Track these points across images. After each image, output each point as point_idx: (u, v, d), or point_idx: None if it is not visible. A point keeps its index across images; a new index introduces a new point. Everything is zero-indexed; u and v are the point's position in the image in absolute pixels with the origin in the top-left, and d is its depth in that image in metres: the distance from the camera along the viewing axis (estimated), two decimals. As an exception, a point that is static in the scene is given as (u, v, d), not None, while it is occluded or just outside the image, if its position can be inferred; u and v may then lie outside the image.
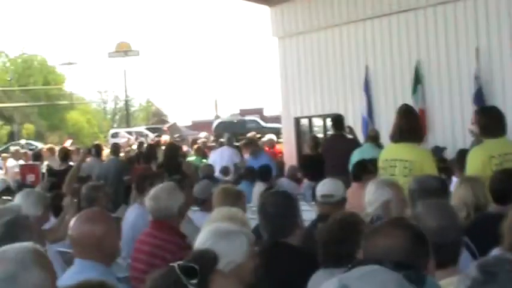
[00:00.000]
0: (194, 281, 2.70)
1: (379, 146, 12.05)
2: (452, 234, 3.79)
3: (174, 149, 14.75)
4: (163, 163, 13.58)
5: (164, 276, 2.74)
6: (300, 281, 4.46)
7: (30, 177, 12.81)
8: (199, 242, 3.76)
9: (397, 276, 2.37)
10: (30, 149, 28.72)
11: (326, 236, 4.43)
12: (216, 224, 4.06)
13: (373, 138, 12.56)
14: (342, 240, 4.35)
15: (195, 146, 20.16)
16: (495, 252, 4.12)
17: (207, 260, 2.85)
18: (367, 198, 5.73)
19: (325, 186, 6.52)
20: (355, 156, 11.17)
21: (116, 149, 15.67)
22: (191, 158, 18.38)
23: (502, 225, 4.36)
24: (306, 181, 13.59)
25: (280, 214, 4.90)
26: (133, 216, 7.75)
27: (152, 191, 5.93)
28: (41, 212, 6.74)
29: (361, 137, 14.52)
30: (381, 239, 3.09)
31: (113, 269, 4.65)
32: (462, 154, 8.54)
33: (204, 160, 17.61)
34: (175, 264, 2.73)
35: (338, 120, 13.35)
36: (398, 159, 7.06)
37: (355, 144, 12.82)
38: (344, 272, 2.44)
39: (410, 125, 7.25)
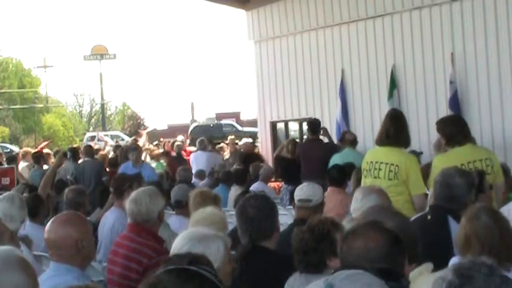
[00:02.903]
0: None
1: (357, 150, 12.12)
2: (408, 234, 3.83)
3: None
4: None
5: (176, 276, 2.68)
6: (276, 285, 4.47)
7: (5, 180, 12.69)
8: (176, 246, 3.73)
9: (380, 281, 2.40)
10: (5, 152, 28.51)
11: (298, 244, 4.45)
12: (192, 229, 4.04)
13: (352, 142, 12.58)
14: (312, 250, 4.36)
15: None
16: (454, 260, 4.11)
17: (209, 264, 2.83)
18: (354, 205, 5.71)
19: (303, 191, 6.52)
20: (336, 161, 11.18)
21: (89, 150, 15.49)
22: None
23: (462, 232, 4.34)
24: (283, 185, 13.62)
25: (261, 217, 4.89)
26: (111, 219, 7.71)
27: (133, 194, 5.88)
28: (26, 215, 6.71)
29: (334, 141, 14.51)
30: (359, 241, 3.11)
31: (88, 272, 4.63)
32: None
33: (164, 164, 17.54)
34: (193, 267, 2.69)
35: (314, 125, 13.34)
36: (384, 162, 7.01)
37: (331, 148, 12.84)
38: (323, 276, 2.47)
39: (397, 129, 7.21)
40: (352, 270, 2.48)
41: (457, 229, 4.97)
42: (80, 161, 15.05)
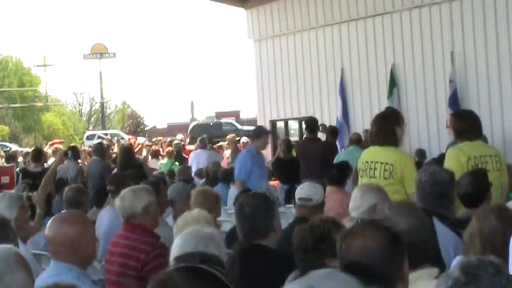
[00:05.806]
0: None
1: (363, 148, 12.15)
2: (422, 234, 3.81)
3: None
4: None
5: (187, 274, 2.67)
6: (275, 283, 4.46)
7: (5, 179, 12.68)
8: (187, 246, 3.68)
9: (352, 278, 2.50)
10: (4, 151, 28.47)
11: (298, 242, 4.44)
12: (195, 228, 4.02)
13: (357, 141, 12.64)
14: (312, 249, 4.35)
15: (167, 149, 19.83)
16: (458, 258, 4.10)
17: (219, 263, 2.84)
18: (353, 204, 5.70)
19: (304, 190, 6.51)
20: (341, 159, 11.22)
21: (97, 149, 14.23)
22: (163, 161, 18.24)
23: (469, 231, 4.32)
24: (279, 184, 13.62)
25: (256, 216, 4.89)
26: (107, 218, 7.70)
27: (121, 192, 5.93)
28: (16, 213, 6.67)
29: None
30: (358, 239, 3.10)
31: (87, 271, 4.62)
32: (442, 158, 8.49)
33: (177, 163, 17.52)
34: (204, 266, 2.70)
35: (312, 123, 13.30)
36: (379, 162, 7.01)
37: (329, 147, 12.84)
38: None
39: (385, 129, 7.20)
40: (326, 269, 2.56)
41: (443, 231, 4.98)
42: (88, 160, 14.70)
